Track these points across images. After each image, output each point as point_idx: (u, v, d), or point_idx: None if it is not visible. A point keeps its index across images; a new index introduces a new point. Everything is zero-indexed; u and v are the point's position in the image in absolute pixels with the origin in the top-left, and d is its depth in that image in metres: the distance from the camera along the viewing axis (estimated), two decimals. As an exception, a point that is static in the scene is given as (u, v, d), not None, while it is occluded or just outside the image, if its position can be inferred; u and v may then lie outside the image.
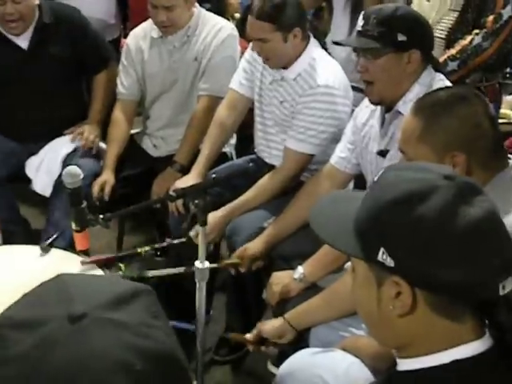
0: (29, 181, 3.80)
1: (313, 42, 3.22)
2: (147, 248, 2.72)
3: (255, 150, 3.55)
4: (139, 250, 2.72)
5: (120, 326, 0.99)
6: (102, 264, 2.64)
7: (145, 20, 3.84)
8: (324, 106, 3.10)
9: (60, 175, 3.64)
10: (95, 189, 3.52)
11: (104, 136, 3.87)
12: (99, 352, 0.96)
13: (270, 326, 2.58)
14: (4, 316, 1.03)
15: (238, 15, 5.44)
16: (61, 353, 0.95)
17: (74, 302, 1.00)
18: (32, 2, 3.64)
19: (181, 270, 2.64)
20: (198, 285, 2.51)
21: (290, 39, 3.10)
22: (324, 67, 3.16)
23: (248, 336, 2.62)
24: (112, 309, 1.01)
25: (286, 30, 3.07)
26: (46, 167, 3.77)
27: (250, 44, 3.31)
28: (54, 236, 2.96)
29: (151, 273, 2.69)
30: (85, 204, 2.48)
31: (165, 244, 2.77)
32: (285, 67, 3.20)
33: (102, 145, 3.86)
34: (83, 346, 0.96)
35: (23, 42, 3.73)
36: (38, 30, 3.73)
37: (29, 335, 0.97)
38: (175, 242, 2.76)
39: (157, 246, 2.77)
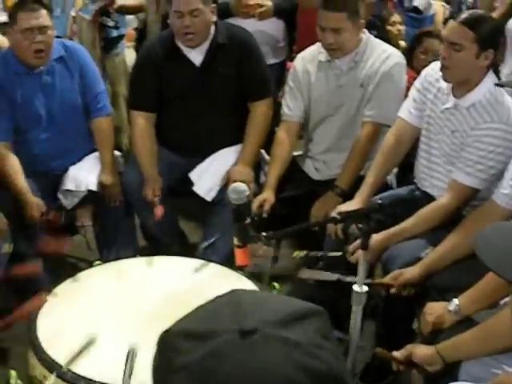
0: (190, 192, 3.89)
1: (490, 72, 3.16)
2: (303, 252, 2.75)
3: (415, 180, 3.52)
4: (295, 254, 2.75)
5: (290, 344, 0.99)
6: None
7: (312, 43, 3.88)
8: (497, 142, 3.04)
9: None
10: (255, 205, 3.58)
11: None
12: (268, 368, 0.97)
13: (420, 351, 2.55)
14: (178, 326, 1.05)
15: (403, 43, 5.44)
16: (230, 366, 0.96)
17: (247, 317, 1.01)
18: (209, 18, 3.76)
19: (334, 277, 2.67)
20: (353, 308, 2.52)
21: (481, 58, 3.03)
22: (500, 103, 3.09)
23: (396, 354, 2.60)
24: (283, 327, 1.01)
25: (483, 46, 3.00)
26: (211, 172, 3.87)
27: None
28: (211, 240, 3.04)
29: (304, 274, 2.71)
30: (248, 220, 2.53)
31: (320, 254, 2.80)
32: (458, 93, 3.16)
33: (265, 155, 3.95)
34: (252, 361, 0.97)
35: (197, 57, 3.85)
36: (211, 49, 3.84)
37: (200, 346, 0.99)
38: (330, 254, 2.79)
39: (312, 253, 2.80)
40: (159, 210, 3.57)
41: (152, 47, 3.93)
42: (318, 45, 3.79)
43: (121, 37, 4.91)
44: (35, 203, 3.66)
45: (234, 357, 0.97)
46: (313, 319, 1.05)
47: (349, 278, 2.68)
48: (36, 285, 3.58)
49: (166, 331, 1.05)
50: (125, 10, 4.82)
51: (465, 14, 3.05)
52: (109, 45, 4.80)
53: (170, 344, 1.02)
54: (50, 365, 2.43)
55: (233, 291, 1.10)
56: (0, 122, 3.78)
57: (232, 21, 4.22)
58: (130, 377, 2.17)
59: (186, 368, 0.98)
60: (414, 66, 4.55)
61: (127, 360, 2.19)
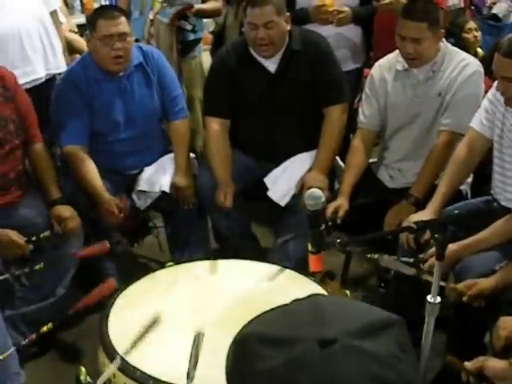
0: (263, 197, 3.89)
1: None
2: (377, 255, 2.74)
3: (491, 192, 3.46)
4: (369, 256, 2.76)
5: (370, 356, 0.98)
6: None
7: (389, 51, 3.86)
8: None
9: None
10: (329, 210, 3.57)
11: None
12: (346, 380, 0.96)
13: (492, 364, 2.50)
14: (257, 330, 1.05)
15: (480, 51, 5.38)
16: (308, 376, 0.96)
17: (326, 325, 1.01)
18: (283, 28, 3.76)
19: (411, 271, 2.69)
20: (426, 319, 2.50)
21: None
22: None
23: (467, 365, 2.56)
24: (363, 337, 1.00)
25: None
26: (286, 178, 3.87)
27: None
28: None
29: (384, 261, 2.71)
30: (323, 227, 2.52)
31: (393, 258, 2.78)
32: None
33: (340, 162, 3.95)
34: (331, 372, 0.96)
35: (271, 65, 3.86)
36: (286, 56, 3.84)
37: (279, 353, 0.98)
38: (403, 260, 2.77)
39: (386, 256, 2.78)
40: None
41: (227, 54, 3.96)
42: (395, 53, 3.76)
43: (198, 40, 4.94)
44: (111, 200, 3.72)
45: (313, 367, 0.97)
46: (392, 330, 1.04)
47: (425, 277, 2.65)
48: (105, 273, 3.66)
49: (244, 334, 1.04)
50: (202, 14, 4.85)
51: (506, 45, 2.96)
52: (186, 48, 4.84)
53: (248, 348, 1.02)
54: (123, 364, 2.46)
55: (312, 296, 1.09)
56: (78, 126, 3.84)
57: (310, 27, 4.21)
58: (195, 363, 2.18)
59: (266, 374, 0.98)
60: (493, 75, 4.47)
61: (194, 345, 2.20)
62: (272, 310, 1.10)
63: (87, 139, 3.87)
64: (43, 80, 4.04)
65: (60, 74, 4.26)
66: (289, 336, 1.01)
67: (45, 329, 3.17)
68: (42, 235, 3.46)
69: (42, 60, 4.17)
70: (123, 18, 3.78)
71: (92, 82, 3.86)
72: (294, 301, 1.11)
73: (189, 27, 4.76)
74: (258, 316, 1.11)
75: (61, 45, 4.42)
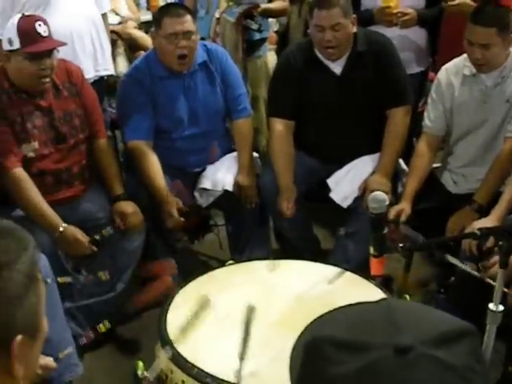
0: (325, 198, 3.88)
1: None
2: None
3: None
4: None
5: (446, 366, 0.95)
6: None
7: (455, 54, 3.80)
8: None
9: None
10: (391, 214, 3.54)
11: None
12: None
13: None
14: (327, 333, 1.02)
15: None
16: (382, 383, 0.94)
17: (401, 331, 0.97)
18: (350, 30, 3.74)
19: (475, 273, 2.69)
20: (488, 327, 2.46)
21: None
22: None
23: None
24: (438, 346, 0.97)
25: None
26: (348, 180, 3.86)
27: None
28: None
29: (450, 258, 2.68)
30: (386, 230, 2.51)
31: (455, 261, 2.75)
32: None
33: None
34: (406, 380, 0.94)
35: (337, 67, 3.84)
36: (351, 58, 3.82)
37: (353, 359, 0.96)
38: (466, 268, 2.74)
39: (449, 257, 2.75)
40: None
41: (292, 55, 3.95)
42: (463, 57, 3.71)
43: (263, 40, 4.94)
44: (172, 202, 3.73)
45: (388, 374, 0.94)
46: (467, 339, 1.00)
47: (489, 280, 2.62)
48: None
49: (315, 336, 1.02)
50: (268, 14, 4.84)
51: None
52: (251, 47, 4.84)
53: (319, 351, 1.00)
54: (176, 359, 2.47)
55: (383, 301, 1.06)
56: (143, 121, 3.87)
57: (374, 29, 4.18)
58: (247, 338, 2.18)
59: (339, 379, 0.96)
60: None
61: (245, 319, 2.20)
62: (338, 312, 1.09)
63: (151, 134, 3.90)
64: (92, 81, 4.07)
65: (109, 75, 4.38)
66: (363, 341, 0.98)
67: (103, 328, 3.22)
68: (104, 233, 3.50)
69: (91, 61, 4.23)
70: (189, 17, 3.80)
71: (156, 79, 3.89)
72: (362, 303, 1.09)
73: (255, 26, 4.76)
74: (323, 317, 1.09)
75: (110, 47, 4.48)
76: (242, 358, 2.22)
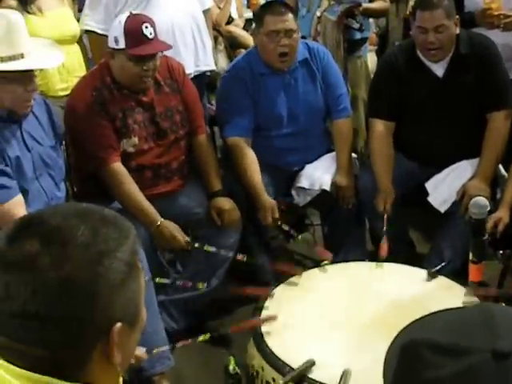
0: (422, 202, 3.82)
1: None
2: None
3: None
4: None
5: None
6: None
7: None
8: None
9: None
10: (490, 223, 3.45)
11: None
12: None
13: None
14: (424, 336, 1.02)
15: None
16: None
17: (500, 337, 0.96)
18: (453, 32, 3.67)
19: None
20: None
21: None
22: None
23: None
24: None
25: None
26: (447, 184, 3.79)
27: None
28: (442, 264, 3.00)
29: None
30: (486, 236, 2.46)
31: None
32: None
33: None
34: None
35: (438, 69, 3.78)
36: (453, 60, 3.75)
37: (450, 362, 0.95)
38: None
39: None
40: (384, 249, 3.45)
41: (394, 57, 3.91)
42: None
43: (364, 39, 4.90)
44: (269, 205, 3.73)
45: (486, 379, 0.93)
46: None
47: None
48: (263, 278, 3.68)
49: (412, 339, 1.01)
50: (369, 13, 4.81)
51: None
52: (352, 47, 4.81)
53: (416, 354, 0.99)
54: (269, 357, 2.47)
55: (483, 305, 1.05)
56: (242, 118, 3.89)
57: (477, 30, 4.10)
58: None
59: (436, 383, 0.95)
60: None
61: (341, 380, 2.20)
62: (436, 315, 1.07)
63: (251, 132, 3.92)
64: (192, 76, 4.11)
65: (210, 71, 4.41)
66: (461, 345, 0.97)
67: (201, 338, 3.24)
68: (206, 247, 3.49)
69: (192, 56, 4.26)
70: (290, 15, 3.80)
71: (257, 76, 3.91)
72: (460, 308, 1.08)
73: (356, 25, 4.73)
74: (420, 320, 1.08)
75: (211, 43, 4.51)
76: None
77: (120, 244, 1.21)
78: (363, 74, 4.95)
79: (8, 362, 1.16)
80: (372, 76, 4.60)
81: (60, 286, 1.13)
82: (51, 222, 1.20)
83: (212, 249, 3.47)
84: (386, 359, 1.07)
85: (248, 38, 5.18)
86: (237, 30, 5.41)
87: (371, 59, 5.07)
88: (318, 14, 4.75)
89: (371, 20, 5.15)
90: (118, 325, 1.19)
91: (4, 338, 1.17)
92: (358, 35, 4.81)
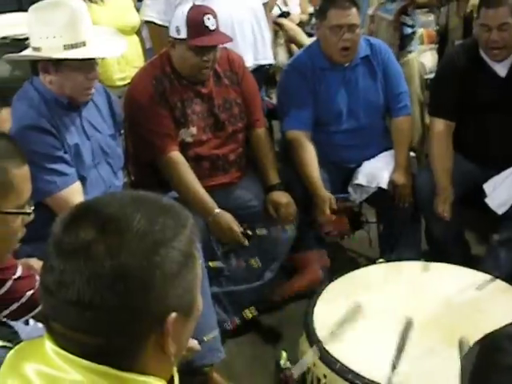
0: (480, 203, 3.77)
1: None
2: None
3: None
4: None
5: None
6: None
7: None
8: None
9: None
10: None
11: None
12: None
13: None
14: (504, 330, 1.04)
15: None
16: None
17: None
18: (517, 30, 3.62)
19: None
20: None
21: None
22: None
23: None
24: None
25: None
26: (506, 186, 3.73)
27: None
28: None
29: None
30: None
31: None
32: None
33: None
34: None
35: (502, 69, 3.72)
36: None
37: None
38: None
39: None
40: None
41: (456, 56, 3.86)
42: None
43: (414, 33, 4.87)
44: (327, 199, 3.72)
45: None
46: None
47: None
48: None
49: (490, 333, 1.03)
50: (420, 6, 4.79)
51: None
52: (403, 42, 4.79)
53: (495, 345, 1.01)
54: (321, 353, 2.46)
55: None
56: (302, 111, 3.88)
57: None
58: (401, 351, 2.16)
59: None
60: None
61: (402, 332, 2.18)
62: None
63: (311, 125, 3.90)
64: (251, 69, 4.10)
65: (269, 65, 4.40)
66: None
67: (249, 315, 3.24)
68: (258, 232, 3.52)
69: (251, 50, 4.26)
70: (354, 9, 3.78)
71: (317, 71, 3.90)
72: None
73: (410, 22, 4.72)
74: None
75: (270, 36, 4.50)
76: (394, 367, 2.20)
77: (177, 233, 1.20)
78: (416, 69, 4.90)
79: (63, 349, 1.17)
80: (427, 74, 4.57)
81: (115, 275, 1.13)
82: (108, 210, 1.19)
83: (263, 232, 3.50)
84: (463, 358, 1.08)
85: (299, 33, 5.17)
86: (289, 24, 5.38)
87: (431, 58, 5.02)
88: (371, 12, 4.72)
89: (431, 18, 5.11)
90: (173, 315, 1.18)
91: (59, 325, 1.17)
92: (409, 30, 4.79)
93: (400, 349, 2.23)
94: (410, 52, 4.88)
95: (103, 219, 1.17)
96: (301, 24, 5.54)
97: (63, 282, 1.14)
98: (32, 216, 1.84)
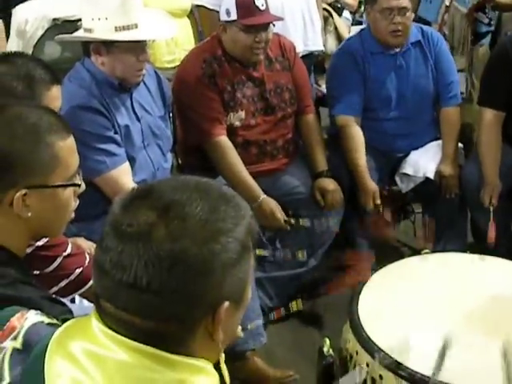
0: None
1: None
2: None
3: None
4: None
5: None
6: None
7: None
8: None
9: None
10: None
11: None
12: None
13: None
14: None
15: None
16: None
17: None
18: None
19: None
20: None
21: None
22: None
23: None
24: None
25: None
26: None
27: None
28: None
29: None
30: None
31: None
32: None
33: None
34: None
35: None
36: None
37: None
38: None
39: None
40: (492, 232, 3.37)
41: (509, 44, 3.79)
42: None
43: (489, 32, 4.80)
44: (372, 190, 3.71)
45: None
46: None
47: None
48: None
49: None
50: (500, 8, 4.69)
51: None
52: (476, 39, 4.73)
53: None
54: (365, 341, 2.45)
55: None
56: (352, 96, 3.86)
57: None
58: (439, 368, 2.14)
59: None
60: None
61: (440, 352, 2.16)
62: None
63: (360, 110, 3.89)
64: (300, 55, 4.08)
65: (318, 51, 4.40)
66: None
67: (295, 307, 3.23)
68: (301, 222, 3.52)
69: (301, 36, 4.28)
70: None
71: (368, 55, 3.88)
72: None
73: (485, 20, 4.64)
74: None
75: (321, 23, 4.48)
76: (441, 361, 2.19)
77: (237, 223, 1.20)
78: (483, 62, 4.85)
79: (110, 329, 1.17)
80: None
81: (173, 260, 1.13)
82: (170, 195, 1.19)
83: (307, 223, 3.48)
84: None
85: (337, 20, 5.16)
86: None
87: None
88: (447, 2, 4.67)
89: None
90: (226, 303, 1.18)
91: (111, 306, 1.17)
92: (484, 28, 4.72)
93: (439, 366, 2.20)
94: (481, 45, 4.83)
95: (165, 203, 1.18)
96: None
97: (120, 264, 1.14)
98: (83, 186, 1.85)
